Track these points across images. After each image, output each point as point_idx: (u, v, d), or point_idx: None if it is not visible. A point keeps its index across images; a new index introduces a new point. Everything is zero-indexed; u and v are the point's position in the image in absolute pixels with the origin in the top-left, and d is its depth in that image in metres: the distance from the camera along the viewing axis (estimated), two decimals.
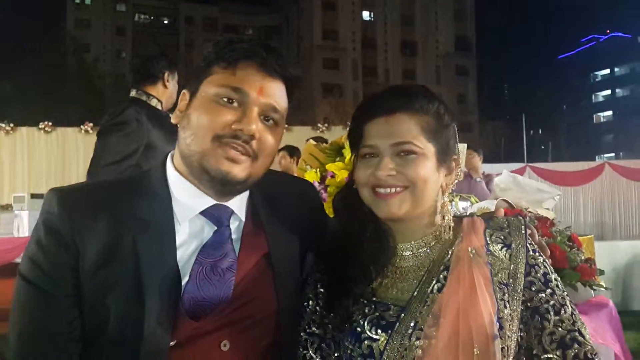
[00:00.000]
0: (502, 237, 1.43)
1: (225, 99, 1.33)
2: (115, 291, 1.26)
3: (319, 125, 13.22)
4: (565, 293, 1.39)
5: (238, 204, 1.45)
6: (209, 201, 1.39)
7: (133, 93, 3.56)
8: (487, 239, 1.43)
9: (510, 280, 1.36)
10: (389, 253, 1.45)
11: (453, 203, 2.63)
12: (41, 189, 10.52)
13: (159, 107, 3.52)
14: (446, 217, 1.47)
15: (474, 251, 1.37)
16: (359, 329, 1.37)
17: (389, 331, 1.33)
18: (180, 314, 1.29)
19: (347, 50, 64.96)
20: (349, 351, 1.37)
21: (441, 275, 1.38)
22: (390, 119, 1.39)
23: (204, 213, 1.39)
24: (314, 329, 1.46)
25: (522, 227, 1.46)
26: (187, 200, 1.38)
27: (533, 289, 1.36)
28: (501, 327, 1.29)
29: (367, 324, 1.36)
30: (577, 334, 1.32)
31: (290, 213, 1.54)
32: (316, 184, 2.59)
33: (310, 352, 1.44)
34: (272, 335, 1.41)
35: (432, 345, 1.27)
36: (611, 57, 73.18)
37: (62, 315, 1.26)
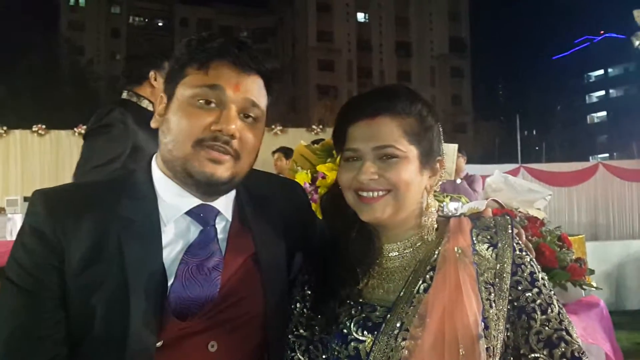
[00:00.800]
0: (489, 237, 1.44)
1: (202, 101, 1.32)
2: (101, 292, 1.25)
3: (314, 126, 13.20)
4: (552, 292, 1.39)
5: (224, 204, 1.44)
6: (194, 201, 1.39)
7: (124, 95, 3.54)
8: (474, 238, 1.43)
9: (497, 279, 1.37)
10: (374, 254, 1.46)
11: (444, 204, 2.64)
12: None
13: (150, 107, 3.49)
14: (430, 218, 1.47)
15: (460, 251, 1.38)
16: (345, 331, 1.37)
17: (375, 332, 1.33)
18: (166, 314, 1.29)
19: (342, 51, 64.94)
20: (335, 353, 1.37)
21: (427, 276, 1.38)
22: (372, 122, 1.39)
23: (189, 213, 1.39)
24: (301, 331, 1.46)
25: (509, 226, 1.46)
26: (173, 201, 1.38)
27: (519, 288, 1.36)
28: (486, 327, 1.29)
29: (354, 325, 1.36)
30: (564, 332, 1.32)
31: (277, 214, 1.54)
32: (307, 185, 2.60)
33: (298, 354, 1.44)
34: (260, 336, 1.41)
35: (418, 346, 1.28)
36: (605, 58, 73.34)
37: (48, 316, 1.26)
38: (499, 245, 1.42)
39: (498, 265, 1.38)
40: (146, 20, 71.55)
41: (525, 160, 16.80)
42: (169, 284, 1.31)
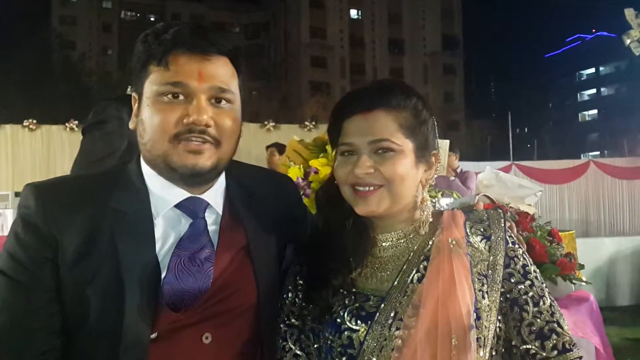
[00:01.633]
0: (482, 229, 1.45)
1: (170, 95, 1.30)
2: (95, 284, 1.26)
3: (307, 123, 13.20)
4: (545, 285, 1.41)
5: (213, 197, 1.44)
6: (183, 194, 1.39)
7: (128, 90, 3.54)
8: (467, 230, 1.44)
9: (489, 271, 1.38)
10: (368, 245, 1.47)
11: (436, 200, 2.65)
12: None
13: None
14: (425, 212, 1.48)
15: (454, 242, 1.39)
16: (338, 320, 1.37)
17: (369, 322, 1.34)
18: (160, 306, 1.29)
19: (335, 48, 64.82)
20: (328, 342, 1.38)
21: (421, 265, 1.39)
22: (367, 116, 1.39)
23: (179, 206, 1.39)
24: (292, 320, 1.47)
25: (502, 219, 1.47)
26: (162, 194, 1.38)
27: (512, 280, 1.38)
28: (478, 318, 1.30)
29: (347, 314, 1.37)
30: (555, 325, 1.34)
31: (268, 206, 1.54)
32: (300, 180, 2.60)
33: (289, 343, 1.45)
34: (254, 327, 1.42)
35: (411, 335, 1.29)
36: (596, 56, 73.59)
37: (42, 309, 1.26)
38: (492, 237, 1.43)
39: (491, 257, 1.40)
40: (138, 15, 71.06)
41: (517, 158, 16.82)
42: (162, 276, 1.31)
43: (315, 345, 1.43)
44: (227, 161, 1.41)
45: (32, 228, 1.28)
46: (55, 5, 60.27)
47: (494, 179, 3.18)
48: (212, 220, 1.44)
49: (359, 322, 1.35)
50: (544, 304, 1.36)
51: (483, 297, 1.34)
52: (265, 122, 12.33)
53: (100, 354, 1.26)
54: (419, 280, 1.36)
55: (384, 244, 1.47)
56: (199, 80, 1.31)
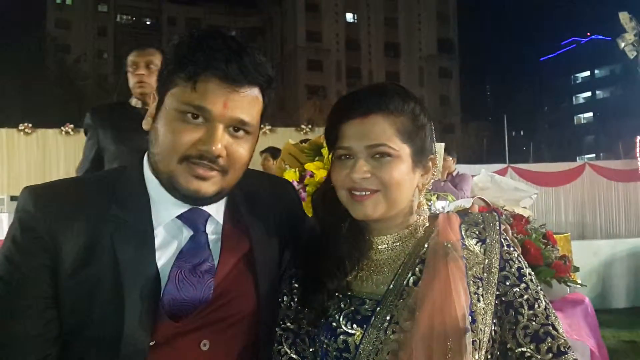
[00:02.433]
0: (477, 232, 1.45)
1: (189, 115, 1.27)
2: (94, 291, 1.24)
3: (303, 126, 13.21)
4: (540, 288, 1.41)
5: (215, 207, 1.42)
6: (185, 206, 1.37)
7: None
8: (463, 233, 1.44)
9: (485, 274, 1.38)
10: (364, 248, 1.46)
11: (431, 202, 2.66)
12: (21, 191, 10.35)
13: (139, 105, 3.50)
14: (422, 216, 1.48)
15: (449, 245, 1.38)
16: (334, 324, 1.37)
17: (365, 325, 1.34)
18: (160, 314, 1.28)
19: (331, 51, 64.86)
20: (324, 346, 1.38)
21: (417, 269, 1.39)
22: (365, 120, 1.38)
23: (180, 217, 1.37)
24: (288, 324, 1.46)
25: (497, 222, 1.47)
26: (164, 204, 1.36)
27: (507, 283, 1.38)
28: (474, 321, 1.30)
29: (343, 318, 1.37)
30: (550, 327, 1.33)
31: (270, 211, 1.54)
32: (295, 184, 2.60)
33: (285, 347, 1.44)
34: (252, 333, 1.41)
35: (407, 339, 1.28)
36: (591, 59, 73.87)
37: (39, 315, 1.24)
38: (487, 240, 1.43)
39: (486, 260, 1.40)
40: (134, 18, 71.04)
41: (512, 161, 16.90)
42: (163, 285, 1.30)
43: (311, 349, 1.43)
44: (231, 188, 1.39)
45: (30, 232, 1.26)
46: (50, 9, 60.21)
47: (490, 182, 3.19)
48: (212, 229, 1.42)
49: (354, 325, 1.35)
50: (539, 306, 1.36)
51: (478, 300, 1.33)
52: (262, 126, 12.30)
53: None
54: (415, 283, 1.36)
55: (379, 247, 1.46)
56: (223, 109, 1.27)
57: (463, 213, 1.56)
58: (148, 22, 71.29)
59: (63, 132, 12.09)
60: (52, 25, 57.40)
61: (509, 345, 1.35)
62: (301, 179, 2.64)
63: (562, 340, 1.33)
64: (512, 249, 1.44)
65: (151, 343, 1.26)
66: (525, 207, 3.09)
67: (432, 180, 1.52)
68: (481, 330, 1.31)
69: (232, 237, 1.43)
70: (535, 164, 16.94)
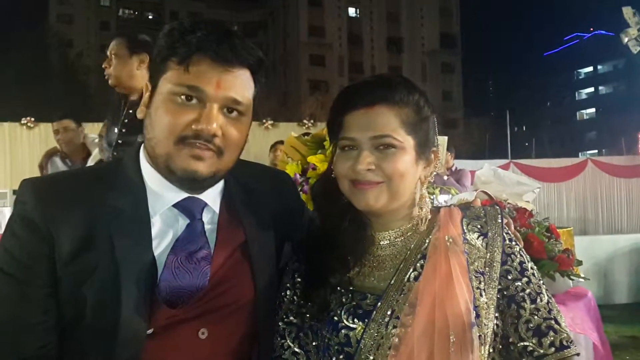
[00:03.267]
0: (479, 226, 1.44)
1: (183, 97, 1.30)
2: (92, 280, 1.25)
3: (305, 121, 13.21)
4: (542, 282, 1.40)
5: (212, 196, 1.44)
6: (181, 194, 1.39)
7: None
8: (464, 227, 1.44)
9: (487, 268, 1.37)
10: (366, 242, 1.46)
11: (434, 196, 2.66)
12: None
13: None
14: (424, 209, 1.47)
15: (451, 240, 1.38)
16: (336, 318, 1.37)
17: (366, 320, 1.33)
18: (157, 302, 1.29)
19: (333, 46, 64.85)
20: (326, 340, 1.37)
21: (418, 264, 1.38)
22: (369, 111, 1.37)
23: (176, 205, 1.39)
24: (291, 318, 1.46)
25: (499, 216, 1.47)
26: (160, 193, 1.38)
27: (509, 277, 1.37)
28: (477, 315, 1.30)
29: (344, 313, 1.37)
30: (553, 322, 1.33)
31: (266, 203, 1.54)
32: (297, 177, 2.60)
33: (288, 341, 1.44)
34: (250, 323, 1.41)
35: (408, 333, 1.28)
36: (594, 54, 73.64)
37: (38, 305, 1.26)
38: (489, 234, 1.42)
39: (488, 254, 1.39)
40: (136, 13, 71.04)
41: (515, 156, 16.90)
42: (159, 273, 1.31)
43: (314, 343, 1.42)
44: (227, 171, 1.40)
45: (29, 223, 1.27)
46: (52, 3, 60.19)
47: (492, 176, 3.18)
48: (208, 219, 1.43)
49: (355, 320, 1.35)
50: (541, 300, 1.35)
51: (481, 295, 1.33)
52: (264, 120, 12.34)
53: (96, 350, 1.25)
54: (416, 278, 1.36)
55: (382, 243, 1.46)
56: (216, 88, 1.30)
57: (465, 207, 1.55)
58: (150, 17, 71.26)
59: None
60: (55, 19, 57.42)
61: (511, 340, 1.34)
62: (304, 172, 2.64)
63: (565, 335, 1.32)
64: (514, 242, 1.43)
65: (149, 331, 1.27)
66: (528, 201, 3.09)
67: (434, 174, 1.52)
68: (485, 324, 1.31)
69: (227, 227, 1.44)
70: (538, 160, 16.91)
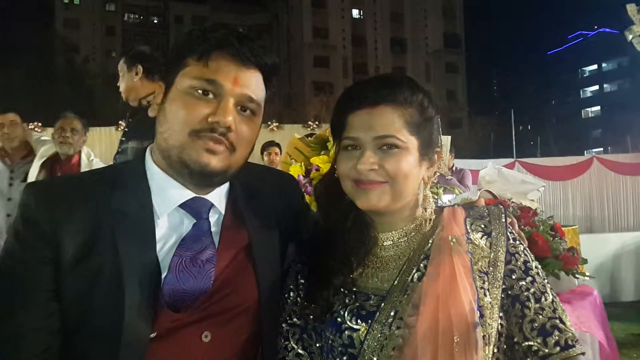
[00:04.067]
0: (483, 226, 1.44)
1: (200, 91, 1.32)
2: (95, 284, 1.26)
3: (310, 123, 13.21)
4: (546, 281, 1.40)
5: (217, 197, 1.45)
6: (187, 194, 1.39)
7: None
8: (468, 227, 1.43)
9: (490, 268, 1.37)
10: (369, 243, 1.45)
11: (437, 196, 2.65)
12: None
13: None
14: (428, 210, 1.47)
15: (454, 240, 1.38)
16: (339, 320, 1.37)
17: (369, 321, 1.33)
18: (160, 305, 1.29)
19: (337, 48, 64.84)
20: (330, 341, 1.37)
21: (421, 264, 1.38)
22: (373, 111, 1.37)
23: (182, 206, 1.39)
24: (294, 319, 1.46)
25: (502, 215, 1.46)
26: (166, 194, 1.38)
27: (513, 277, 1.36)
28: (482, 315, 1.29)
29: (348, 314, 1.36)
30: (557, 321, 1.32)
31: (270, 205, 1.54)
32: (301, 178, 2.60)
33: (292, 342, 1.44)
34: (254, 326, 1.42)
35: (412, 334, 1.28)
36: (599, 52, 73.37)
37: (41, 308, 1.26)
38: (493, 234, 1.42)
39: (492, 254, 1.38)
40: (141, 17, 71.28)
41: (520, 155, 16.79)
42: (163, 276, 1.31)
43: (318, 345, 1.42)
44: (237, 169, 1.41)
45: (32, 226, 1.28)
46: (58, 9, 60.49)
47: (497, 175, 3.18)
48: (214, 220, 1.44)
49: (359, 321, 1.35)
50: (545, 300, 1.34)
51: (485, 295, 1.33)
52: (269, 123, 12.34)
53: (99, 353, 1.26)
54: (419, 279, 1.35)
55: (385, 243, 1.45)
56: (233, 84, 1.34)
57: (468, 206, 1.54)
58: (155, 21, 71.48)
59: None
60: (61, 25, 57.72)
61: (515, 339, 1.33)
62: (307, 173, 2.64)
63: (570, 334, 1.31)
64: (518, 242, 1.43)
65: (152, 335, 1.27)
66: (532, 200, 3.08)
67: (438, 174, 1.52)
68: (489, 324, 1.30)
69: (231, 229, 1.44)
70: (543, 158, 16.83)
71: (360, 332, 1.33)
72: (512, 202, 2.70)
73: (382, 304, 1.35)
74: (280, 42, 68.44)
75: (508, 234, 1.42)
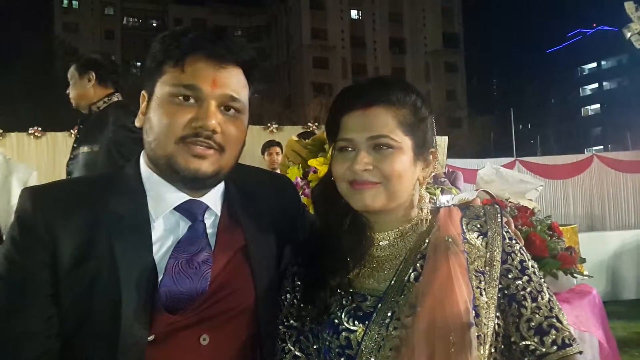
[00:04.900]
0: (479, 226, 1.44)
1: (181, 98, 1.32)
2: (92, 287, 1.26)
3: (310, 124, 13.20)
4: (543, 280, 1.40)
5: (213, 199, 1.45)
6: (182, 197, 1.39)
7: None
8: (464, 227, 1.43)
9: (487, 268, 1.37)
10: (366, 245, 1.46)
11: (435, 197, 2.65)
12: None
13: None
14: (424, 210, 1.47)
15: (450, 239, 1.38)
16: (336, 321, 1.37)
17: (366, 322, 1.34)
18: (157, 308, 1.29)
19: (337, 49, 64.75)
20: (327, 343, 1.37)
21: (418, 264, 1.38)
22: (367, 112, 1.38)
23: (178, 209, 1.39)
24: (291, 321, 1.46)
25: (498, 215, 1.46)
26: (161, 197, 1.38)
27: (510, 276, 1.37)
28: (477, 315, 1.29)
29: (344, 315, 1.37)
30: (554, 320, 1.32)
31: (266, 207, 1.55)
32: (299, 180, 2.61)
33: (289, 344, 1.44)
34: (251, 328, 1.42)
35: (409, 335, 1.28)
36: (598, 50, 73.24)
37: (39, 312, 1.26)
38: (489, 233, 1.42)
39: (488, 254, 1.39)
40: (140, 21, 71.24)
41: (520, 154, 16.83)
42: (159, 278, 1.31)
43: (315, 346, 1.42)
44: (229, 169, 1.41)
45: (29, 231, 1.28)
46: (57, 13, 60.47)
47: (495, 175, 3.18)
48: (210, 222, 1.44)
49: (356, 322, 1.35)
50: (542, 299, 1.34)
51: (481, 294, 1.33)
52: (269, 124, 12.33)
53: (97, 356, 1.26)
54: (416, 279, 1.36)
55: (381, 243, 1.46)
56: (212, 86, 1.32)
57: (465, 206, 1.55)
58: (154, 24, 71.41)
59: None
60: (60, 29, 57.66)
61: (512, 339, 1.33)
62: (305, 175, 2.64)
63: (567, 333, 1.31)
64: (514, 241, 1.43)
65: (150, 338, 1.27)
66: (531, 200, 3.08)
67: (433, 175, 1.52)
68: (485, 324, 1.31)
69: (227, 231, 1.45)
70: (543, 157, 16.87)
71: (358, 333, 1.33)
72: (510, 202, 2.70)
73: (379, 305, 1.35)
74: (279, 44, 68.46)
75: (504, 233, 1.43)
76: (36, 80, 34.54)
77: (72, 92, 3.86)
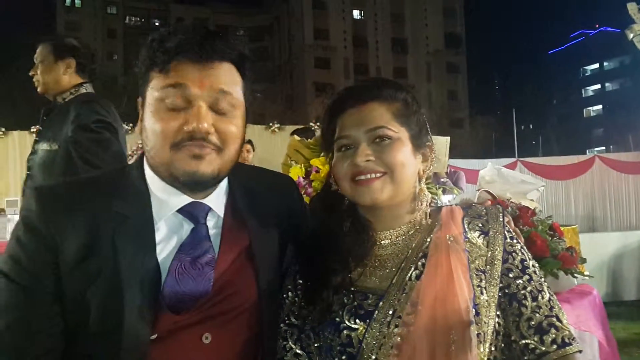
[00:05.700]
0: (480, 225, 1.45)
1: (170, 101, 1.30)
2: (96, 286, 1.26)
3: (311, 124, 13.21)
4: (543, 279, 1.41)
5: (215, 200, 1.45)
6: (185, 199, 1.39)
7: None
8: (465, 226, 1.44)
9: (488, 267, 1.38)
10: (368, 245, 1.46)
11: (436, 197, 2.66)
12: None
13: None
14: (424, 203, 1.49)
15: (451, 238, 1.38)
16: (337, 319, 1.37)
17: (368, 320, 1.34)
18: (160, 308, 1.30)
19: (338, 49, 64.79)
20: (328, 341, 1.38)
21: (419, 263, 1.39)
22: (362, 108, 1.42)
23: (181, 211, 1.39)
24: (293, 320, 1.46)
25: (500, 214, 1.47)
26: (164, 199, 1.38)
27: (510, 275, 1.38)
28: (477, 313, 1.30)
29: (346, 313, 1.37)
30: (554, 319, 1.33)
31: (270, 206, 1.55)
32: (301, 179, 2.61)
33: (290, 342, 1.45)
34: (254, 327, 1.42)
35: (410, 333, 1.28)
36: (600, 51, 73.33)
37: (44, 311, 1.27)
38: (490, 233, 1.43)
39: (489, 253, 1.40)
40: (142, 20, 71.22)
41: (522, 155, 16.84)
42: (163, 279, 1.32)
43: (316, 344, 1.43)
44: (230, 168, 1.41)
45: (33, 230, 1.29)
46: (60, 12, 60.51)
47: (496, 175, 3.18)
48: (213, 223, 1.44)
49: (357, 320, 1.36)
50: (542, 298, 1.35)
51: (481, 293, 1.34)
52: (270, 124, 12.34)
53: (100, 355, 1.27)
54: (417, 277, 1.36)
55: (383, 242, 1.47)
56: (200, 87, 1.31)
57: (466, 206, 1.56)
58: (157, 23, 71.35)
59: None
60: (63, 28, 57.65)
61: (512, 337, 1.34)
62: (307, 174, 2.64)
63: (567, 332, 1.32)
64: (515, 240, 1.44)
65: (153, 337, 1.28)
66: (532, 200, 3.09)
67: (432, 170, 1.53)
68: (485, 322, 1.31)
69: (231, 231, 1.45)
70: (545, 158, 16.85)
71: (359, 332, 1.34)
72: (511, 202, 2.71)
73: (381, 303, 1.35)
74: (281, 44, 68.48)
75: (505, 232, 1.44)
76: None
77: (43, 76, 3.41)
